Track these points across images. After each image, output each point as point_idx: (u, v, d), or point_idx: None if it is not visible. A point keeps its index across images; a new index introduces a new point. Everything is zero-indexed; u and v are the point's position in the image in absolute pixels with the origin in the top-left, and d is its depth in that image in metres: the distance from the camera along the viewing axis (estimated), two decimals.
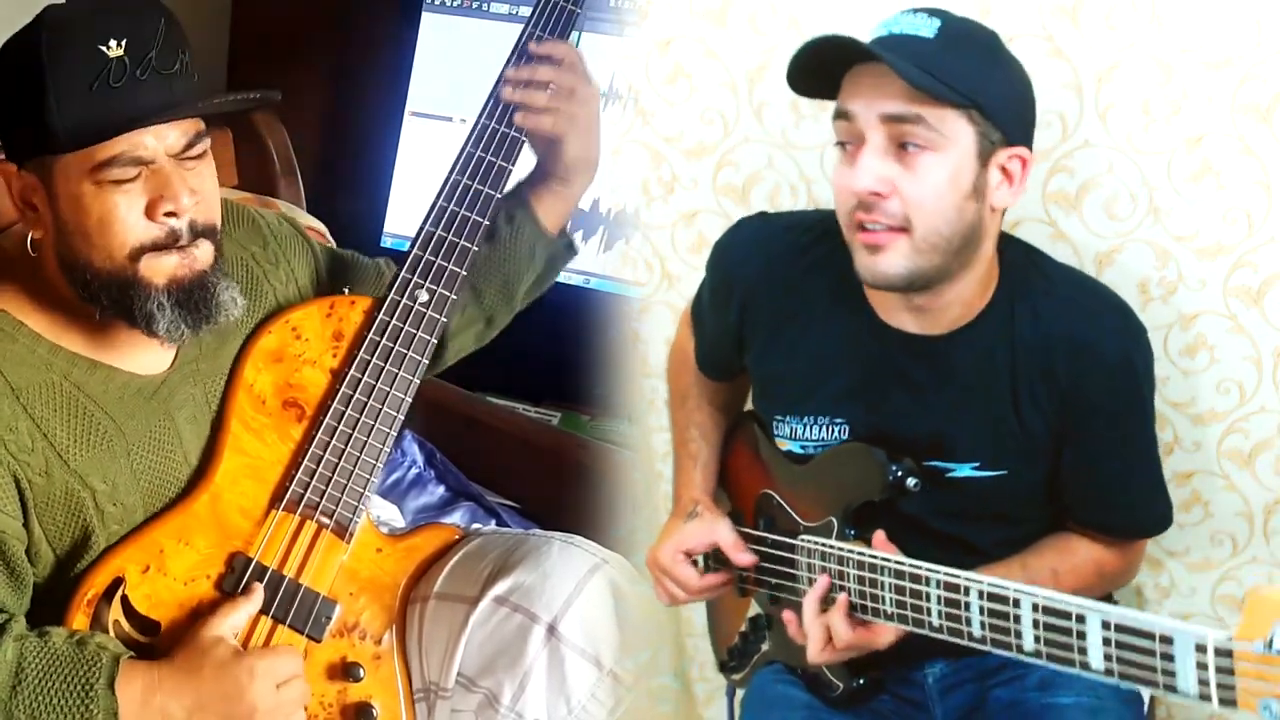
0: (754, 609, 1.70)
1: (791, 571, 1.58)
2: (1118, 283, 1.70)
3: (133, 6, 1.38)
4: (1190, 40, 1.61)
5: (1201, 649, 1.14)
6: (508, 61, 1.61)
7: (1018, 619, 1.30)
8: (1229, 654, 1.12)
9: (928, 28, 1.37)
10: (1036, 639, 1.28)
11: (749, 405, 1.79)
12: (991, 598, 1.32)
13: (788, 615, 1.54)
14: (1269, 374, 1.71)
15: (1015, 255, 1.51)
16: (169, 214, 1.39)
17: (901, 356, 1.50)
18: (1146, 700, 1.65)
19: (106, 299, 1.40)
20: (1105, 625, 1.22)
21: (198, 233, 1.41)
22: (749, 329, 1.62)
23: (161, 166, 1.38)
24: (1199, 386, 1.74)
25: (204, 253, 1.43)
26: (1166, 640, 1.17)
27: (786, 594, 1.60)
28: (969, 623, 1.35)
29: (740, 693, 1.78)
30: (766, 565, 1.62)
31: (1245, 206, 1.64)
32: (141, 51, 1.35)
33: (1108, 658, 1.22)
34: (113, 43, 1.34)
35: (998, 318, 1.47)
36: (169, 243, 1.40)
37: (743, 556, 1.62)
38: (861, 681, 1.55)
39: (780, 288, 1.57)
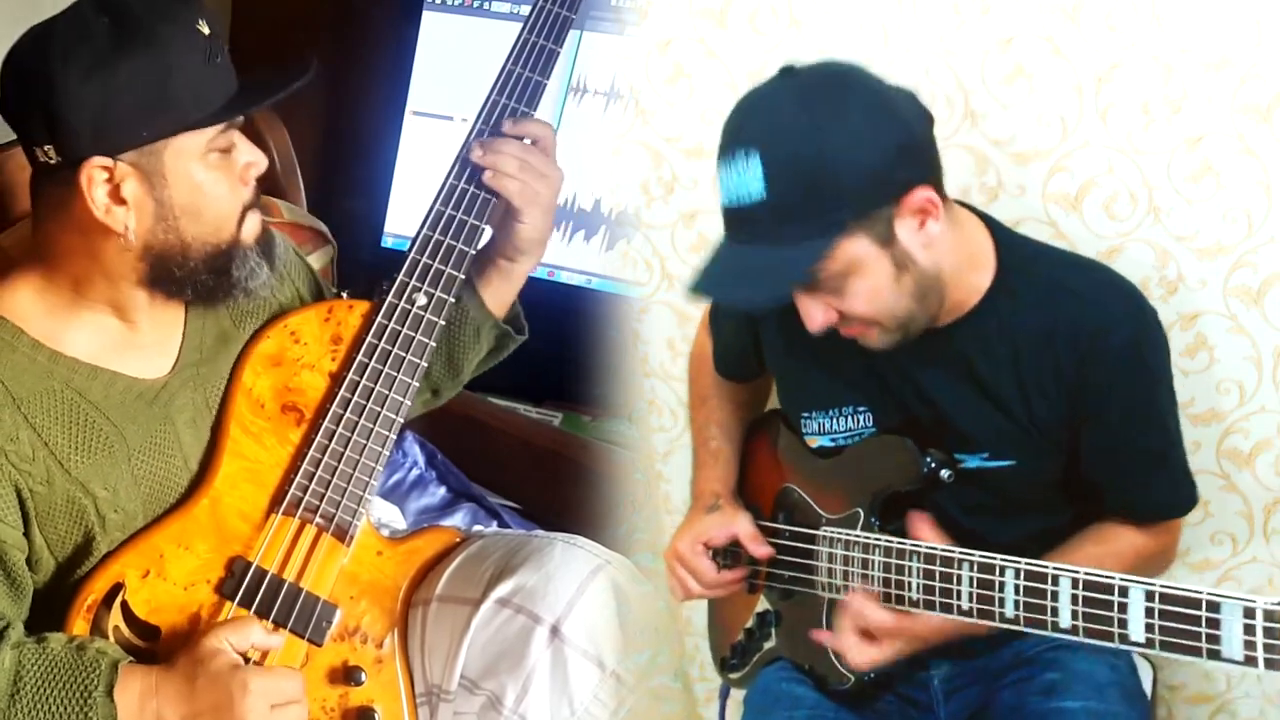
0: (761, 605, 1.70)
1: (810, 563, 1.58)
2: None
3: None
4: (1190, 40, 1.60)
5: (1250, 614, 1.18)
6: (495, 89, 1.61)
7: (1055, 595, 1.32)
8: (1278, 616, 1.17)
9: (753, 177, 1.32)
10: (1074, 614, 1.31)
11: (770, 405, 1.80)
12: (1029, 576, 1.34)
13: (820, 635, 1.55)
14: (1269, 374, 1.71)
15: (1010, 241, 1.50)
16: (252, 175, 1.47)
17: (901, 350, 1.50)
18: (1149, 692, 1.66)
19: (205, 271, 1.45)
20: (1150, 597, 1.25)
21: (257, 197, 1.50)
22: (763, 328, 1.63)
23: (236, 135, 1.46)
24: (1199, 386, 1.74)
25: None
26: (1214, 608, 1.21)
27: (803, 587, 1.60)
28: (1001, 603, 1.36)
29: (734, 694, 1.78)
30: (784, 558, 1.63)
31: (1245, 206, 1.64)
32: (213, 26, 1.41)
33: (1150, 629, 1.25)
34: (201, 20, 1.39)
35: (996, 307, 1.47)
36: (255, 201, 1.48)
37: (760, 549, 1.62)
38: (872, 676, 1.55)
39: None
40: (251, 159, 1.46)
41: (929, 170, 1.38)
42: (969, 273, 1.46)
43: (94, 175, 1.37)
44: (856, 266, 1.36)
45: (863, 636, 1.48)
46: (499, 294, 1.68)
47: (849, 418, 1.57)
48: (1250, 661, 1.19)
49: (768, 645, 1.69)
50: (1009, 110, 1.71)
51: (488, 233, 1.63)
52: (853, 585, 1.50)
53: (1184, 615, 1.23)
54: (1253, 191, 1.63)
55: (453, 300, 1.58)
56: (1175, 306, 1.71)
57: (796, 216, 1.33)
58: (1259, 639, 1.18)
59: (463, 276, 1.58)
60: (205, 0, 1.43)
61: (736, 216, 1.36)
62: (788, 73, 1.37)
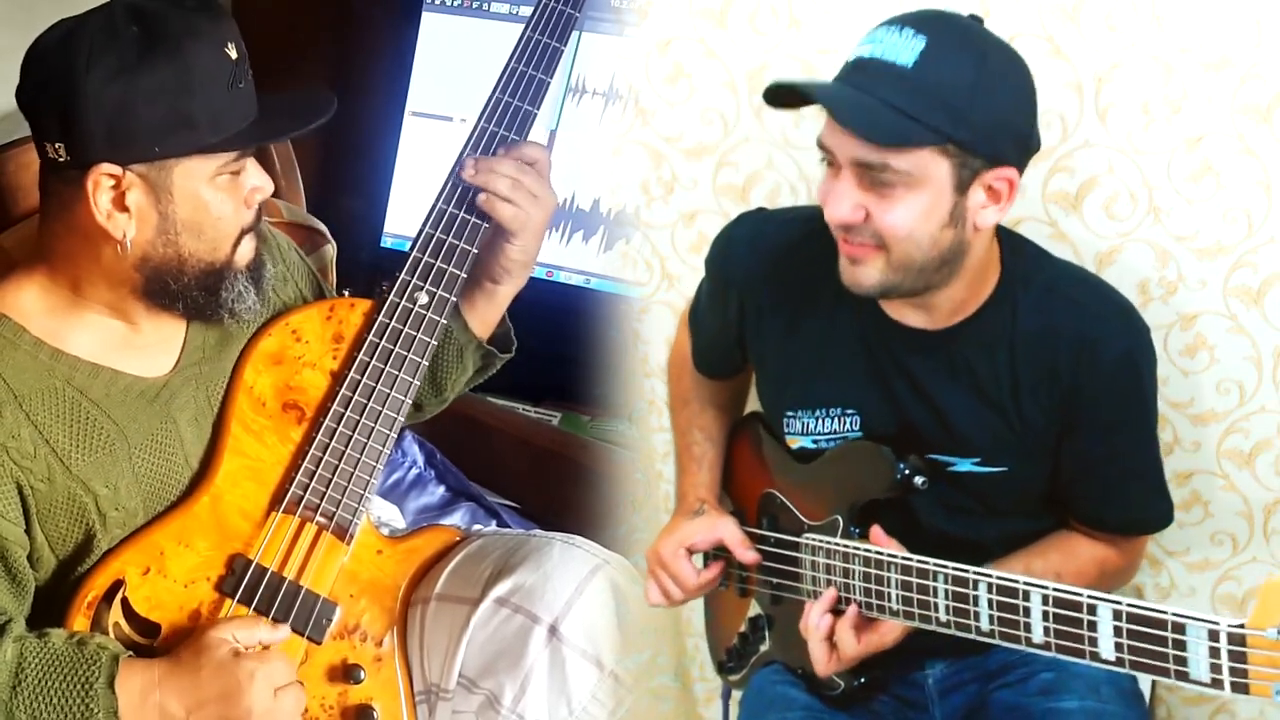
0: (754, 609, 1.70)
1: (795, 570, 1.58)
2: (1118, 283, 1.69)
3: (224, 11, 1.42)
4: (1190, 40, 1.60)
5: (1214, 636, 1.17)
6: (496, 90, 1.61)
7: (1027, 611, 1.32)
8: (1242, 641, 1.15)
9: (910, 51, 1.33)
10: (1046, 630, 1.31)
11: (750, 408, 1.80)
12: (1001, 591, 1.34)
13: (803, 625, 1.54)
14: (1269, 374, 1.71)
15: (1017, 250, 1.51)
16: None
17: (902, 350, 1.50)
18: (1147, 695, 1.65)
19: (197, 288, 1.45)
20: (1117, 615, 1.24)
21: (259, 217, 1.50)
22: (749, 324, 1.62)
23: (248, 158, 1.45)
24: (1199, 386, 1.74)
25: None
26: (1179, 629, 1.19)
27: (789, 593, 1.60)
28: (977, 617, 1.36)
29: (737, 694, 1.78)
30: (769, 564, 1.62)
31: (1245, 206, 1.64)
32: (242, 51, 1.41)
33: (1119, 648, 1.25)
34: (229, 44, 1.39)
35: (999, 313, 1.48)
36: (255, 224, 1.48)
37: (747, 554, 1.62)
38: (863, 680, 1.56)
39: (780, 281, 1.57)
40: (259, 184, 1.46)
41: (1021, 165, 1.40)
42: (979, 277, 1.46)
43: (100, 181, 1.37)
44: (922, 182, 1.35)
45: (829, 646, 1.49)
46: (483, 316, 1.68)
47: (835, 419, 1.56)
48: (1217, 685, 1.17)
49: (762, 648, 1.69)
50: None
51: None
52: (840, 607, 1.50)
53: (1151, 635, 1.22)
54: (1253, 191, 1.63)
55: (454, 300, 1.58)
56: (1175, 306, 1.71)
57: (922, 100, 1.32)
58: (1224, 662, 1.17)
59: (464, 275, 1.58)
60: None
61: (868, 65, 1.35)
62: (977, 19, 1.39)
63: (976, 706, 1.60)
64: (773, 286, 1.58)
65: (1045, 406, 1.47)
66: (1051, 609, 1.30)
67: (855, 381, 1.54)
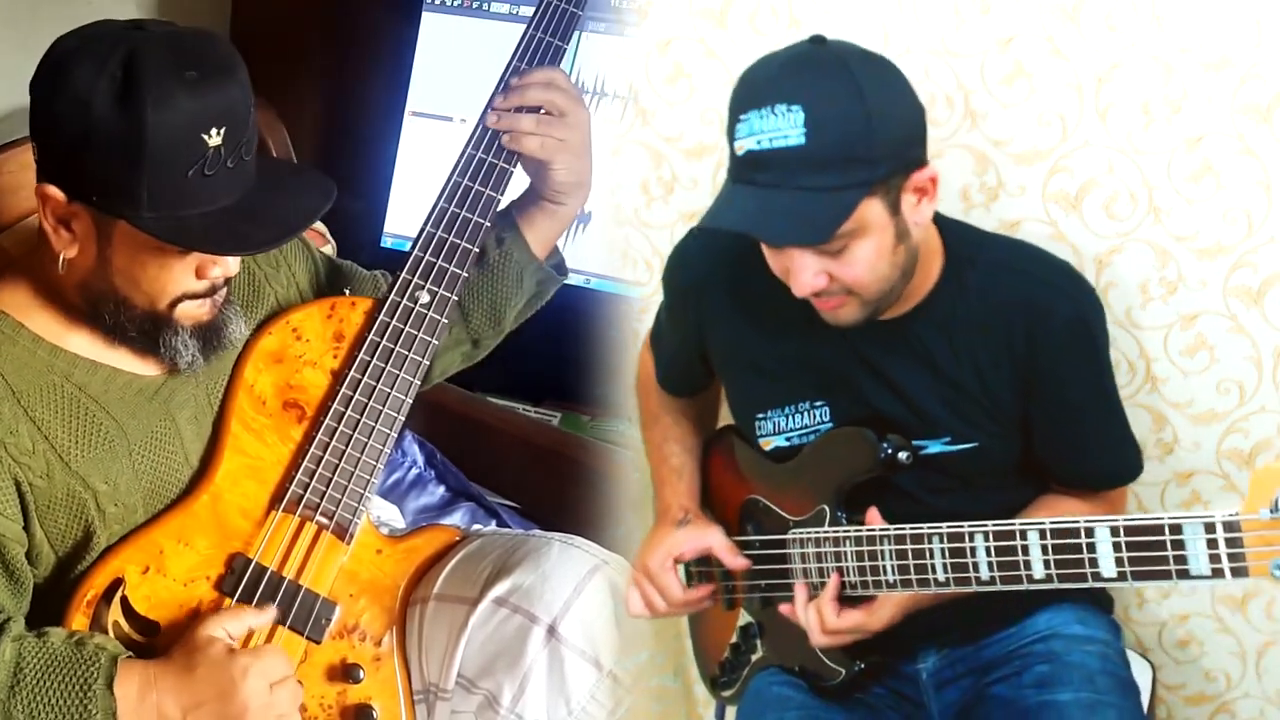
0: (743, 619, 1.70)
1: (784, 568, 1.59)
2: (1118, 283, 1.71)
3: (230, 84, 1.34)
4: (1190, 40, 1.61)
5: (1210, 529, 1.23)
6: (503, 78, 1.61)
7: (1025, 550, 1.36)
8: (1237, 527, 1.22)
9: (794, 127, 1.32)
10: (1046, 564, 1.35)
11: (721, 423, 1.80)
12: (997, 537, 1.38)
13: (785, 608, 1.54)
14: (1269, 374, 1.71)
15: (955, 230, 1.52)
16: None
17: (860, 340, 1.51)
18: (1146, 698, 1.65)
19: (133, 329, 1.43)
20: (1114, 532, 1.30)
21: (226, 281, 1.46)
22: (710, 332, 1.63)
23: None
24: (1199, 386, 1.74)
25: (223, 294, 1.47)
26: (1176, 529, 1.25)
27: (779, 593, 1.60)
28: (976, 569, 1.40)
29: (731, 710, 1.77)
30: (758, 568, 1.63)
31: (1245, 206, 1.65)
32: (236, 138, 1.34)
33: (1119, 563, 1.31)
34: (214, 131, 1.32)
35: (948, 293, 1.49)
36: (208, 293, 1.44)
37: (736, 560, 1.62)
38: (861, 666, 1.56)
39: (736, 285, 1.58)
40: (221, 264, 1.42)
41: (924, 160, 1.41)
42: (925, 262, 1.48)
43: (50, 194, 1.36)
44: (866, 229, 1.37)
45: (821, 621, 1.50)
46: (544, 233, 1.68)
47: (805, 414, 1.57)
48: (1217, 574, 1.23)
49: (755, 657, 1.69)
50: (1009, 110, 1.71)
51: (490, 231, 1.64)
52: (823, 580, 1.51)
53: (1150, 543, 1.27)
54: (1253, 191, 1.64)
55: (455, 298, 1.58)
56: (1175, 306, 1.71)
57: (832, 167, 1.33)
58: (1222, 550, 1.22)
59: (466, 274, 1.59)
60: (205, 2, 1.42)
61: (764, 160, 1.35)
62: (818, 41, 1.39)
63: (972, 701, 1.60)
64: (730, 291, 1.59)
65: (1008, 378, 1.49)
66: (1050, 542, 1.34)
67: (819, 375, 1.55)
